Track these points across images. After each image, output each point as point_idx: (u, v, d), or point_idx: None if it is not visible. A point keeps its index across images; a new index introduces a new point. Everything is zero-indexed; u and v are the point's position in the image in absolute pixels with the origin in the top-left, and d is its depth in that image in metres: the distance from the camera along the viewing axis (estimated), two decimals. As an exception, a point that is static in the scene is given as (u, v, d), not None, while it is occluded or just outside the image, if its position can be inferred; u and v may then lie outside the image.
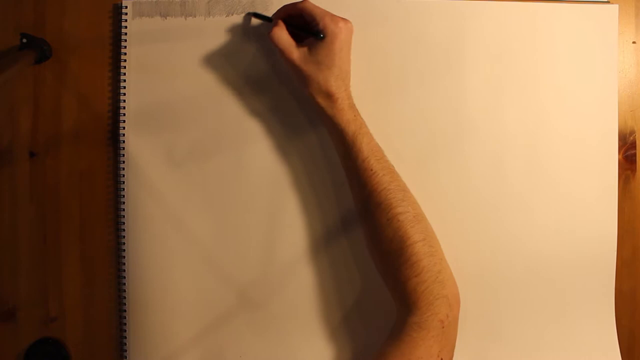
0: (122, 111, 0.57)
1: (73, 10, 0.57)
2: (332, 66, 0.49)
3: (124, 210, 0.57)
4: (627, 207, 0.58)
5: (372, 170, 0.49)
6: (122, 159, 0.57)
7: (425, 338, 0.46)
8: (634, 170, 0.58)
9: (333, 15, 0.50)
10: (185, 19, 0.57)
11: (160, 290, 0.57)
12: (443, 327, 0.47)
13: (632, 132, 0.58)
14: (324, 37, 0.49)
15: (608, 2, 0.57)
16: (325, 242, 0.57)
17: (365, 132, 0.50)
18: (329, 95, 0.50)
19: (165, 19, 0.57)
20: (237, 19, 0.56)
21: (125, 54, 0.57)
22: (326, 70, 0.49)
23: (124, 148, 0.57)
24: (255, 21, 0.56)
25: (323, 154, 0.57)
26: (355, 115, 0.51)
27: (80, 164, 0.58)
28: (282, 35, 0.51)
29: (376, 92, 0.56)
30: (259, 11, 0.56)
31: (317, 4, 0.50)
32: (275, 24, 0.51)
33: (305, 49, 0.50)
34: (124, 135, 0.57)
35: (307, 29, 0.51)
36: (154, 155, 0.57)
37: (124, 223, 0.57)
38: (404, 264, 0.48)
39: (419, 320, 0.47)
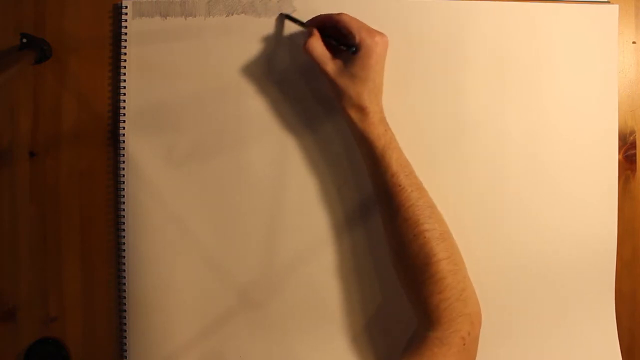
0: (122, 111, 0.57)
1: (73, 10, 0.57)
2: (366, 80, 0.49)
3: (124, 210, 0.57)
4: (627, 207, 0.58)
5: (400, 185, 0.49)
6: (122, 159, 0.57)
7: (446, 355, 0.46)
8: (634, 170, 0.58)
9: (369, 29, 0.50)
10: (185, 19, 0.57)
11: (160, 290, 0.57)
12: (464, 345, 0.47)
13: (632, 132, 0.58)
14: (356, 52, 0.49)
15: (608, 2, 0.57)
16: (325, 242, 0.57)
17: (394, 147, 0.50)
18: (361, 109, 0.50)
19: (165, 19, 0.57)
20: (237, 19, 0.56)
21: (125, 54, 0.57)
22: (360, 84, 0.49)
23: (124, 148, 0.57)
24: (255, 22, 0.56)
25: (323, 154, 0.57)
26: (385, 130, 0.50)
27: (80, 164, 0.58)
28: (317, 46, 0.50)
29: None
30: (259, 10, 0.56)
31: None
32: (311, 34, 0.51)
33: (340, 62, 0.50)
34: (124, 135, 0.57)
35: (342, 40, 0.50)
36: (154, 155, 0.57)
37: (124, 223, 0.57)
38: (428, 279, 0.48)
39: (441, 336, 0.47)
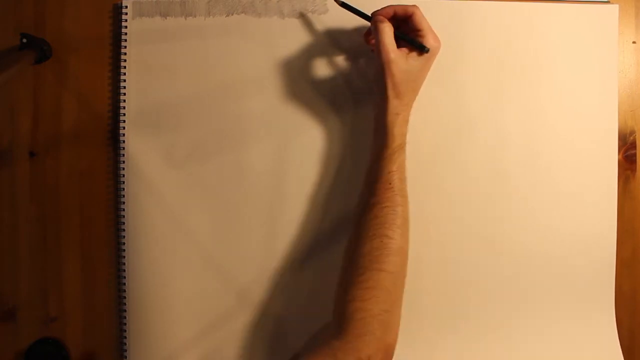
0: (122, 111, 0.57)
1: (73, 10, 0.57)
2: (417, 79, 0.50)
3: (124, 210, 0.57)
4: (627, 207, 0.58)
5: (390, 184, 0.48)
6: (122, 159, 0.57)
7: None
8: (634, 170, 0.58)
9: (434, 33, 0.50)
10: (185, 19, 0.57)
11: (160, 290, 0.57)
12: None
13: (632, 132, 0.58)
14: (428, 51, 0.49)
15: (608, 2, 0.57)
16: (326, 242, 0.57)
17: (404, 150, 0.50)
18: (402, 105, 0.49)
19: (165, 19, 0.57)
20: (237, 19, 0.56)
21: (125, 54, 0.57)
22: (411, 82, 0.49)
23: (124, 148, 0.57)
24: (255, 22, 0.56)
25: (323, 154, 0.57)
26: (406, 132, 0.50)
27: (80, 164, 0.58)
28: (389, 31, 0.49)
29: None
30: (259, 10, 0.56)
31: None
32: (383, 21, 0.49)
33: (401, 54, 0.49)
34: (124, 135, 0.57)
35: (413, 39, 0.50)
36: (154, 155, 0.57)
37: (124, 223, 0.57)
38: (359, 283, 0.46)
39: (343, 347, 0.44)
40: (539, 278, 0.57)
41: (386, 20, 0.50)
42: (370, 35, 0.54)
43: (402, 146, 0.50)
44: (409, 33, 0.50)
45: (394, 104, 0.49)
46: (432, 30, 0.50)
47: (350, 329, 0.44)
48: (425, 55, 0.49)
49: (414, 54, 0.49)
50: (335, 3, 0.53)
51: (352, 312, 0.45)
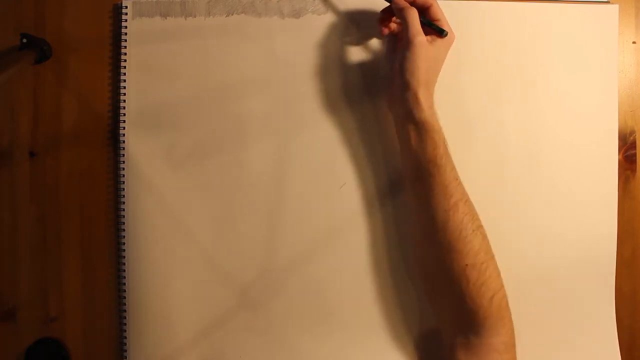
0: (122, 111, 0.57)
1: (73, 10, 0.57)
2: (438, 66, 0.50)
3: (124, 210, 0.57)
4: (627, 207, 0.58)
5: (457, 180, 0.48)
6: (122, 159, 0.57)
7: (513, 357, 0.46)
8: (634, 170, 0.58)
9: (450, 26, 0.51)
10: (185, 19, 0.57)
11: (160, 290, 0.57)
12: (514, 349, 0.47)
13: (632, 132, 0.58)
14: (447, 35, 0.50)
15: (608, 2, 0.57)
16: (325, 242, 0.57)
17: (445, 142, 0.49)
18: (430, 94, 0.49)
19: (165, 19, 0.57)
20: (237, 19, 0.56)
21: (125, 54, 0.57)
22: (434, 68, 0.50)
23: (124, 148, 0.57)
24: (255, 22, 0.56)
25: (323, 154, 0.57)
26: (440, 125, 0.49)
27: (80, 164, 0.58)
28: (416, 17, 0.49)
29: (376, 92, 0.56)
30: (259, 10, 0.56)
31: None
32: (409, 6, 0.49)
33: (428, 39, 0.49)
34: (124, 135, 0.57)
35: (431, 23, 0.50)
36: (154, 156, 0.57)
37: (124, 223, 0.57)
38: (490, 277, 0.46)
39: (506, 341, 0.46)
40: (539, 278, 0.57)
41: (411, 7, 0.50)
42: (384, 21, 0.54)
43: (444, 139, 0.49)
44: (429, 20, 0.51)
45: (424, 95, 0.48)
46: (447, 22, 0.51)
47: (506, 318, 0.47)
48: (445, 41, 0.50)
49: (437, 40, 0.50)
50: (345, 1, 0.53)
51: (499, 303, 0.46)
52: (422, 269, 0.53)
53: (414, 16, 0.49)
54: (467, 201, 0.48)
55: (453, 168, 0.49)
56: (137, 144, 0.57)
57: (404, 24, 0.49)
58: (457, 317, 0.48)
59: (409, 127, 0.49)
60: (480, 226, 0.48)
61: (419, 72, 0.48)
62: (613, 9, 0.56)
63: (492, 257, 0.48)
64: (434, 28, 0.50)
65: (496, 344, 0.46)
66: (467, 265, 0.46)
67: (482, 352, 0.45)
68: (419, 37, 0.48)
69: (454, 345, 0.48)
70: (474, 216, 0.48)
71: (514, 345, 0.47)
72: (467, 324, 0.47)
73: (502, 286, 0.47)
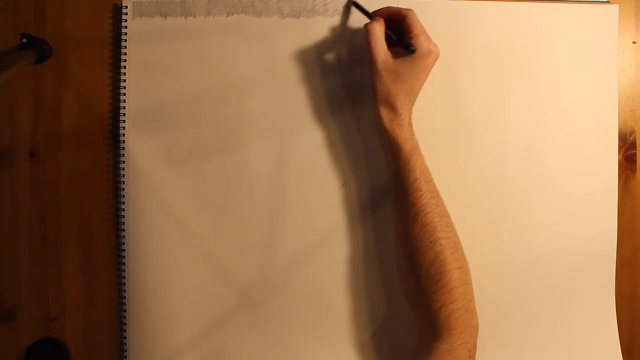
0: (122, 111, 0.57)
1: (73, 10, 0.57)
2: (407, 81, 0.49)
3: (124, 210, 0.57)
4: (627, 207, 0.58)
5: (421, 191, 0.49)
6: (122, 159, 0.57)
7: None
8: (634, 170, 0.58)
9: (429, 37, 0.50)
10: (185, 19, 0.57)
11: (160, 290, 0.57)
12: (470, 357, 0.48)
13: (632, 132, 0.58)
14: (414, 51, 0.49)
15: (608, 2, 0.57)
16: (325, 243, 0.57)
17: (419, 153, 0.50)
18: (394, 109, 0.49)
19: (165, 19, 0.57)
20: (237, 19, 0.56)
21: (125, 54, 0.57)
22: (400, 83, 0.49)
23: (124, 148, 0.57)
24: (255, 22, 0.56)
25: (323, 154, 0.57)
26: (412, 134, 0.50)
27: (80, 164, 0.58)
28: (378, 31, 0.49)
29: (376, 92, 0.56)
30: (259, 10, 0.56)
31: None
32: (377, 19, 0.50)
33: (391, 55, 0.49)
34: (124, 135, 0.57)
35: (401, 38, 0.50)
36: (154, 155, 0.57)
37: (124, 223, 0.57)
38: (441, 289, 0.47)
39: (450, 348, 0.47)
40: (539, 278, 0.57)
41: (380, 20, 0.50)
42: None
43: (414, 149, 0.50)
44: (403, 35, 0.50)
45: (384, 112, 0.50)
46: (425, 33, 0.50)
47: (453, 329, 0.47)
48: (415, 56, 0.49)
49: (404, 55, 0.49)
50: (344, 1, 0.54)
51: (447, 316, 0.47)
52: (398, 273, 0.54)
53: (374, 31, 0.49)
54: (430, 213, 0.49)
55: (416, 179, 0.49)
56: (137, 143, 0.57)
57: (365, 40, 0.50)
58: (416, 320, 0.52)
59: (381, 143, 0.52)
60: (442, 238, 0.48)
61: (377, 86, 0.49)
62: (613, 9, 0.56)
63: (454, 269, 0.48)
64: (401, 45, 0.50)
65: (441, 350, 0.47)
66: (420, 275, 0.49)
67: (434, 355, 0.47)
68: (377, 51, 0.49)
69: (416, 346, 0.51)
70: (435, 228, 0.48)
71: (465, 355, 0.48)
72: (420, 328, 0.51)
73: (455, 300, 0.47)
